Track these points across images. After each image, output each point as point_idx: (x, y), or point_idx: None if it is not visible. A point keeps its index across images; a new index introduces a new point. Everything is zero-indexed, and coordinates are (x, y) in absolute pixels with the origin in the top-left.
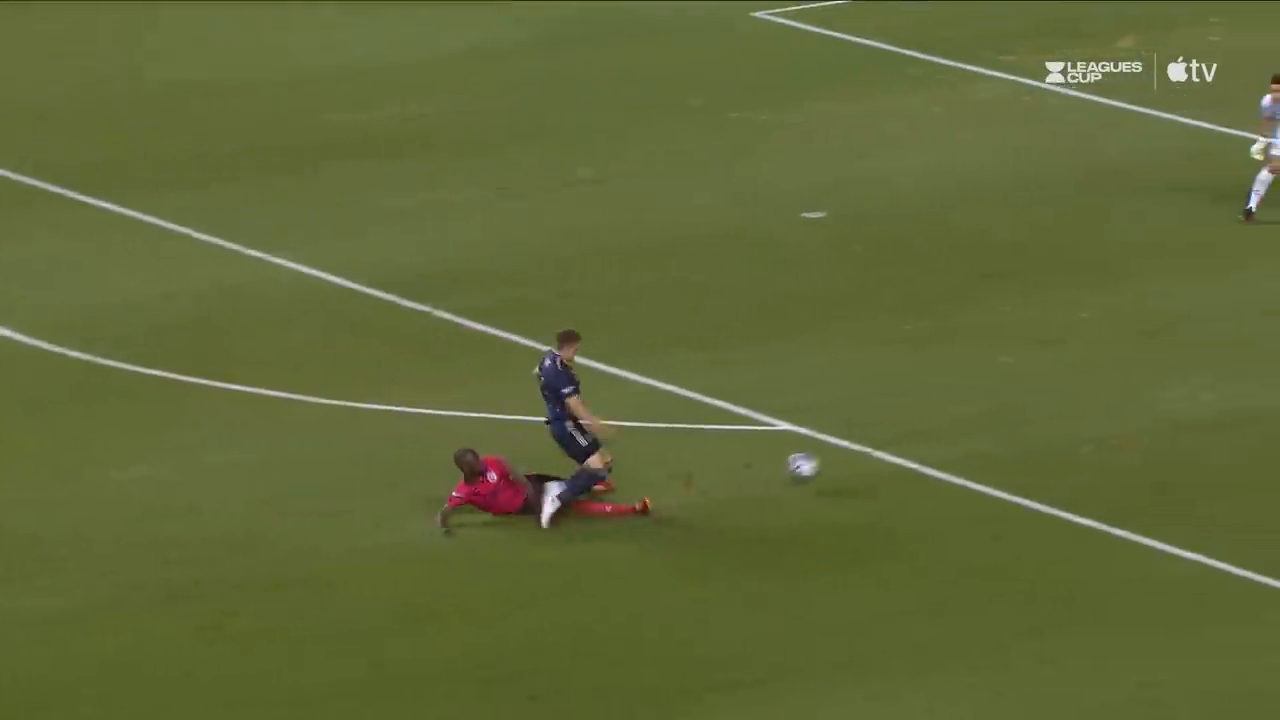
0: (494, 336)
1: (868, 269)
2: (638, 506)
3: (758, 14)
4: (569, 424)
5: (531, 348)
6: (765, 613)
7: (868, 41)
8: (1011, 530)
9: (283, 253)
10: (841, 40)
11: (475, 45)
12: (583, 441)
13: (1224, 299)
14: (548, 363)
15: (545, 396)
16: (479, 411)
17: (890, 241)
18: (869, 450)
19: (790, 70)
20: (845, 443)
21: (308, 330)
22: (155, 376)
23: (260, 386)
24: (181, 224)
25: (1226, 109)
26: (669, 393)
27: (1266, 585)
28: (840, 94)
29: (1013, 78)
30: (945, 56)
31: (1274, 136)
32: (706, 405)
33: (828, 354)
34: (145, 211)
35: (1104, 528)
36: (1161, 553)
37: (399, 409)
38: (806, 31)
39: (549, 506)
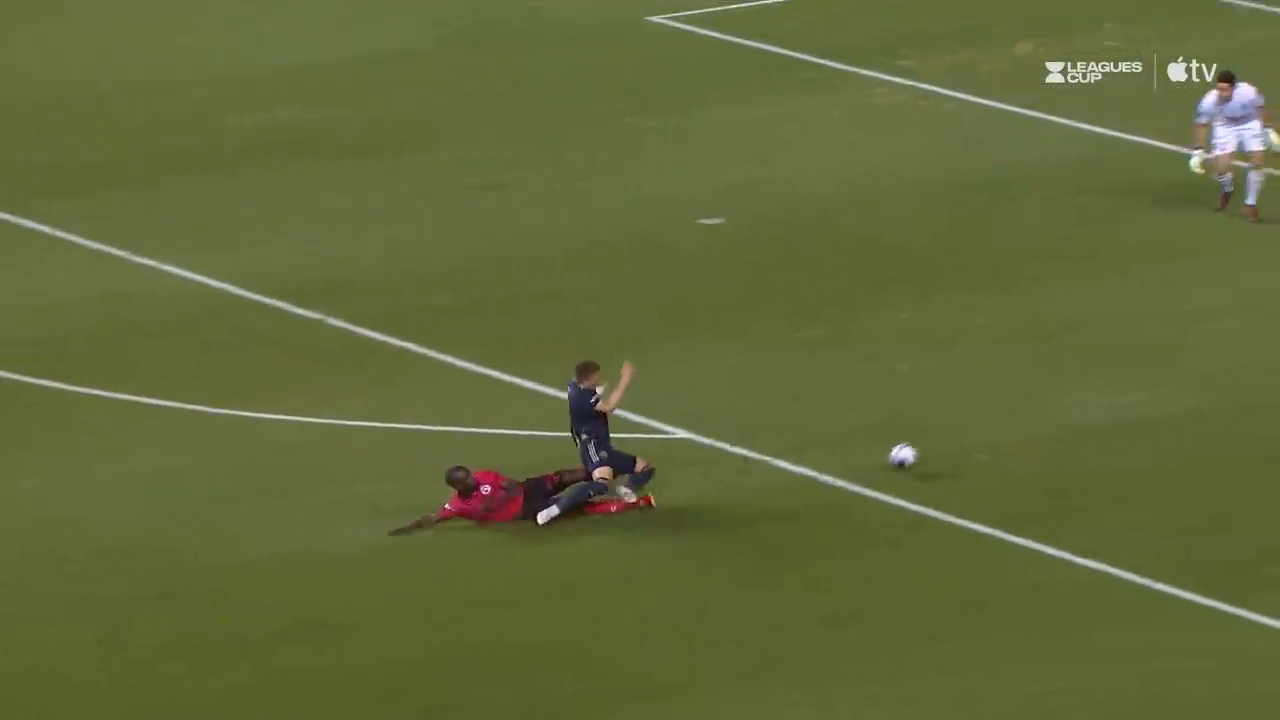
0: (391, 345)
1: (763, 274)
2: (640, 501)
3: (653, 18)
4: (591, 444)
5: (430, 357)
6: (667, 625)
7: (763, 46)
8: (909, 538)
9: (178, 260)
10: (736, 44)
11: (375, 49)
12: (595, 457)
13: (1118, 304)
14: (571, 390)
15: (573, 420)
16: (377, 421)
17: (786, 247)
18: (766, 458)
19: (686, 75)
20: (742, 450)
21: (203, 339)
22: (44, 386)
23: (152, 396)
24: (72, 231)
25: (1116, 113)
26: (562, 400)
27: (1162, 591)
28: (736, 98)
29: (908, 82)
30: (841, 61)
31: (1215, 139)
32: None
33: (724, 361)
34: (36, 218)
35: (1000, 534)
36: (1057, 559)
37: (294, 418)
38: (701, 35)
39: (547, 512)
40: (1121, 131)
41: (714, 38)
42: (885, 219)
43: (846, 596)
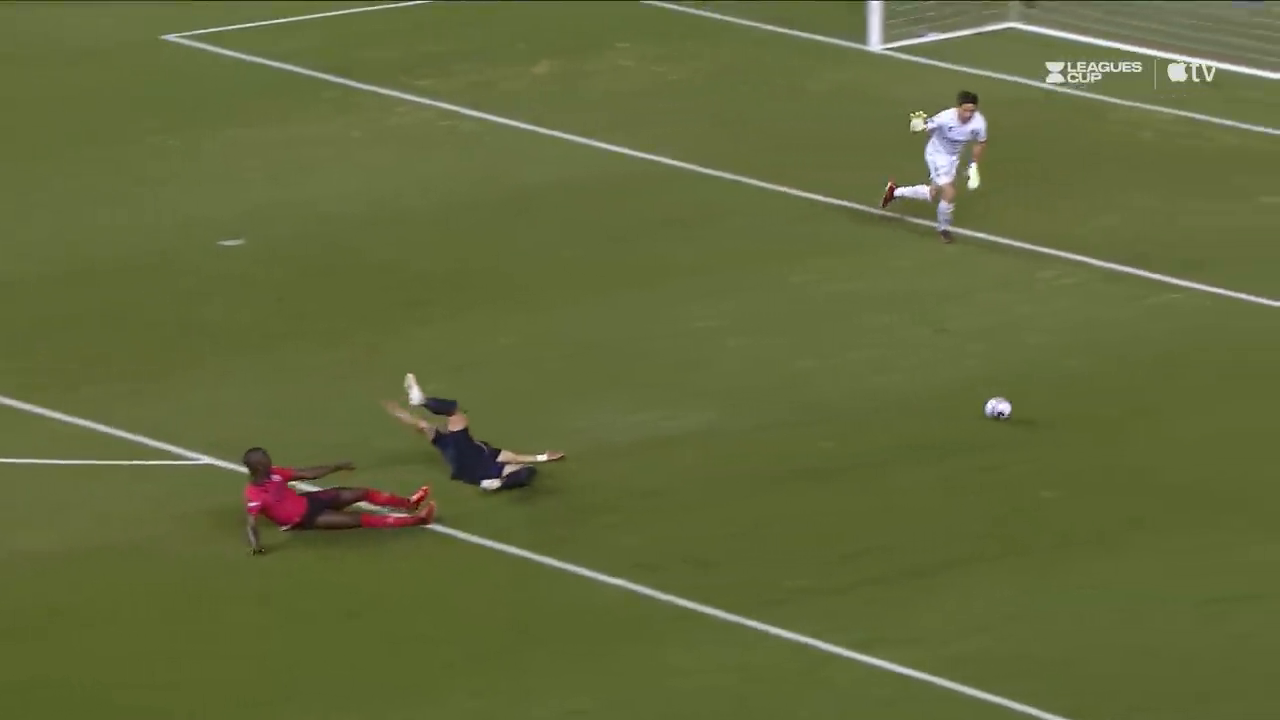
0: None
1: (288, 297)
2: (423, 514)
3: (169, 36)
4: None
5: None
6: (192, 659)
7: (283, 65)
8: (440, 560)
9: None
10: (256, 64)
11: None
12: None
13: (638, 321)
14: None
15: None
16: None
17: (311, 269)
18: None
19: (205, 94)
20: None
21: None
22: None
23: None
24: None
25: (634, 132)
26: (84, 428)
27: (685, 607)
28: (257, 118)
29: (429, 101)
30: (362, 80)
31: (937, 164)
32: (124, 440)
33: (250, 385)
34: None
35: (529, 555)
36: (585, 578)
37: None
38: (219, 55)
39: (489, 481)
40: (635, 150)
41: (233, 57)
42: (409, 239)
43: (376, 621)
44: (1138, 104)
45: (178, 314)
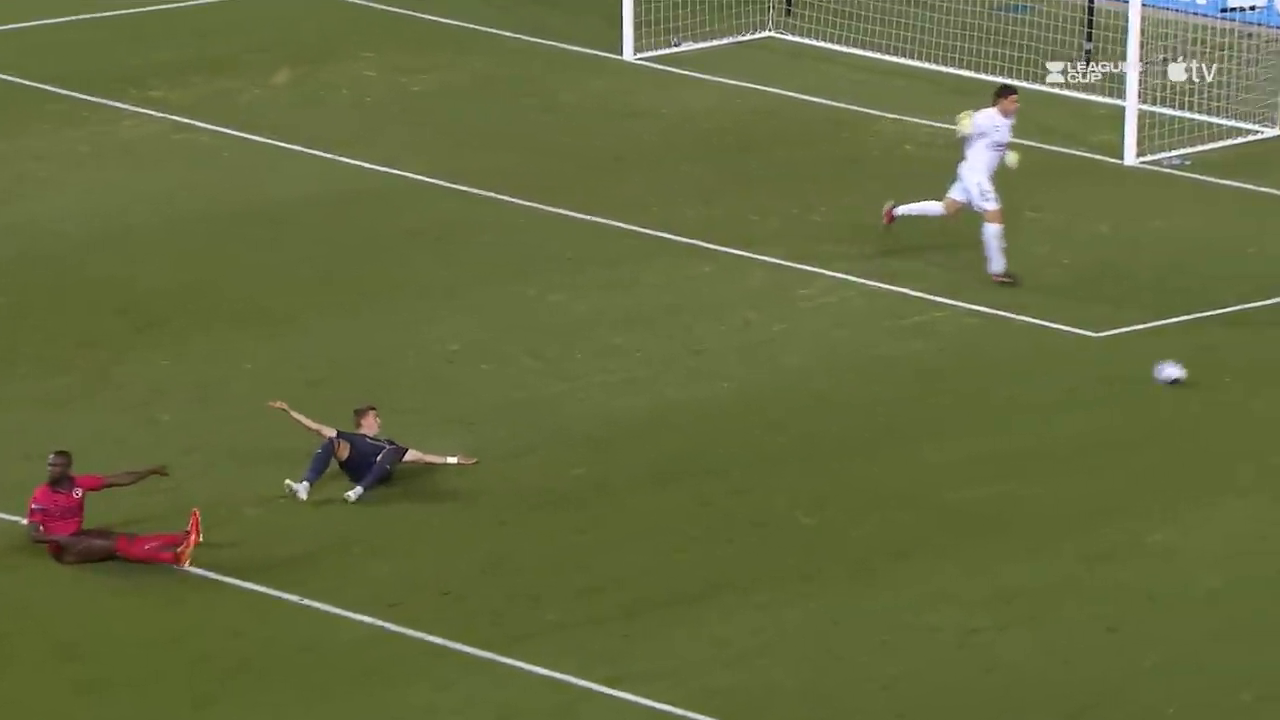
0: None
1: (12, 321)
2: (180, 551)
3: None
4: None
5: None
6: None
7: (4, 76)
8: (173, 597)
9: None
10: None
11: None
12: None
13: (389, 344)
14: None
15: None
16: None
17: (37, 291)
18: (17, 519)
19: None
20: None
21: None
22: None
23: None
24: None
25: (377, 145)
26: None
27: (437, 644)
28: None
29: (161, 114)
30: (89, 92)
31: (982, 177)
32: None
33: None
34: None
35: (274, 592)
36: (330, 614)
37: None
38: None
39: (356, 490)
40: (381, 164)
41: None
42: (142, 259)
43: (97, 663)
44: (901, 115)
45: None
